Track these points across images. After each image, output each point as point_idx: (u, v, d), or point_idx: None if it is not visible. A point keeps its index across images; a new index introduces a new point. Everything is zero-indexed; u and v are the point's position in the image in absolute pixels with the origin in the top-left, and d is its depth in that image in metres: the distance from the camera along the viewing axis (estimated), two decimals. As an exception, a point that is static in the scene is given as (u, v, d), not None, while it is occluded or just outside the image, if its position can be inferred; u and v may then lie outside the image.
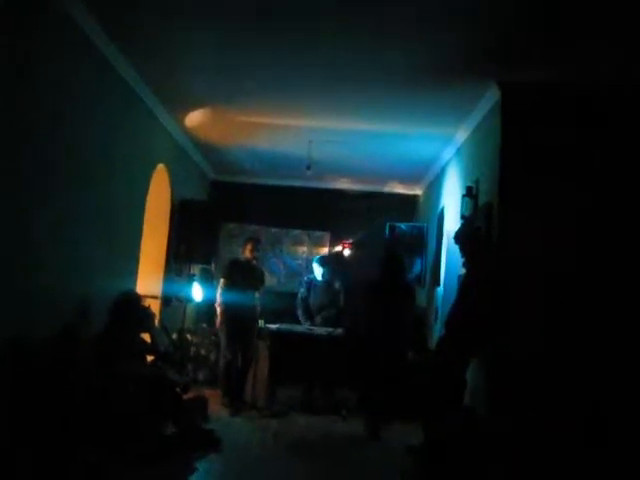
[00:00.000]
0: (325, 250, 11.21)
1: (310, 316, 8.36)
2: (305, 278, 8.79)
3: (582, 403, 5.17)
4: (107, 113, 6.13)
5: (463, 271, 5.95)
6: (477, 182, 6.64)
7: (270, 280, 10.17)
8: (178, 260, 8.81)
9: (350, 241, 11.05)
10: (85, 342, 5.13)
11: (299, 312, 8.45)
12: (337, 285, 8.49)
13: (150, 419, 5.18)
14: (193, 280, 9.03)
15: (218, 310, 7.61)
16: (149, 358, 5.90)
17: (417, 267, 9.58)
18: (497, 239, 5.75)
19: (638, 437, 4.93)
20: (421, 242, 9.60)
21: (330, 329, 7.85)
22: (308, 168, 8.71)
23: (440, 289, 8.18)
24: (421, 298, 9.54)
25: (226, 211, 10.47)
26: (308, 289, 8.48)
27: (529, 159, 5.68)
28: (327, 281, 8.43)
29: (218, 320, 7.62)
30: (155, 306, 7.46)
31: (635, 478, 4.79)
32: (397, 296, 6.90)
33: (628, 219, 5.45)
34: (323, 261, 8.63)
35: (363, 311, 7.05)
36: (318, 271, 8.45)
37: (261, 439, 6.21)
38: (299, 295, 8.56)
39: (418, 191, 11.12)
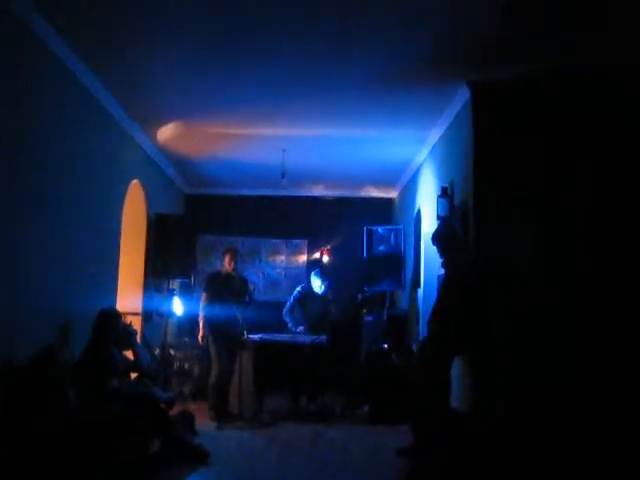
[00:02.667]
0: (304, 257, 11.21)
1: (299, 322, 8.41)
2: (299, 288, 8.72)
3: (567, 401, 5.19)
4: (79, 132, 6.10)
5: (442, 271, 5.98)
6: (452, 182, 6.69)
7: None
8: (157, 275, 8.76)
9: (328, 247, 11.07)
10: (66, 361, 5.08)
11: (287, 319, 8.45)
12: (330, 296, 8.55)
13: (136, 437, 5.13)
14: (173, 294, 8.99)
15: (200, 324, 7.58)
16: (133, 375, 5.86)
17: (396, 270, 9.58)
18: (473, 238, 5.79)
19: (623, 436, 4.94)
20: (399, 244, 9.62)
21: (314, 336, 7.85)
22: (283, 176, 8.73)
23: (421, 290, 8.21)
24: (403, 301, 9.58)
25: (202, 224, 10.43)
26: (301, 300, 8.48)
27: (502, 157, 5.72)
28: (324, 293, 8.46)
29: (200, 334, 7.58)
30: (136, 322, 7.40)
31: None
32: None
33: (604, 214, 5.48)
34: (323, 274, 8.59)
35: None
36: (317, 284, 8.45)
37: (250, 449, 6.18)
38: (288, 306, 8.55)
39: (393, 194, 11.16)
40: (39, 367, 4.64)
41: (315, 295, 8.47)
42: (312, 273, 8.72)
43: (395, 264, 9.51)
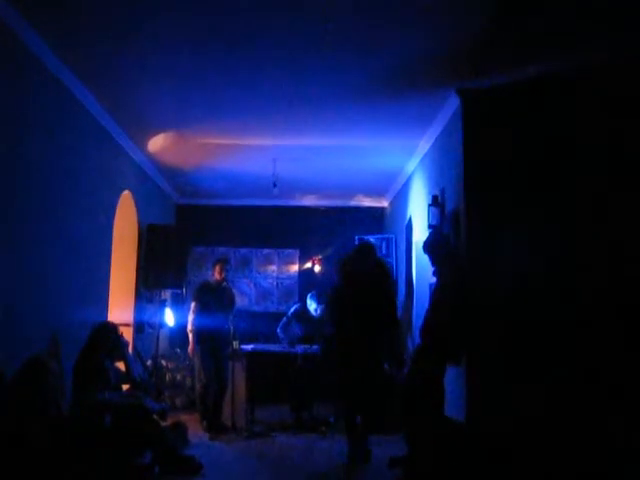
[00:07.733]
0: (295, 267, 11.20)
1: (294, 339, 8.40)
2: (297, 306, 8.73)
3: (560, 408, 5.18)
4: (69, 143, 6.08)
5: (434, 280, 5.98)
6: (443, 191, 6.70)
7: (242, 301, 10.16)
8: (148, 286, 8.73)
9: (320, 257, 11.07)
10: (56, 372, 5.04)
11: (282, 336, 8.42)
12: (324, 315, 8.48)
13: (129, 449, 5.09)
14: (165, 305, 8.96)
15: (190, 335, 7.54)
16: (125, 387, 5.83)
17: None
18: (464, 247, 5.79)
19: (615, 444, 4.93)
20: (390, 254, 9.63)
21: (307, 346, 7.83)
22: (274, 186, 8.72)
23: (413, 299, 8.21)
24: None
25: (194, 234, 10.42)
26: (296, 318, 8.48)
27: (493, 165, 5.71)
28: (319, 317, 8.42)
29: (190, 345, 7.55)
30: (128, 334, 7.37)
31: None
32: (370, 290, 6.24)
33: (599, 220, 5.46)
34: (319, 297, 8.52)
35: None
36: (313, 307, 8.47)
37: (243, 461, 6.14)
38: (283, 322, 8.52)
39: (385, 203, 11.18)
40: (28, 378, 4.60)
41: (310, 316, 8.49)
42: (309, 295, 8.71)
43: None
